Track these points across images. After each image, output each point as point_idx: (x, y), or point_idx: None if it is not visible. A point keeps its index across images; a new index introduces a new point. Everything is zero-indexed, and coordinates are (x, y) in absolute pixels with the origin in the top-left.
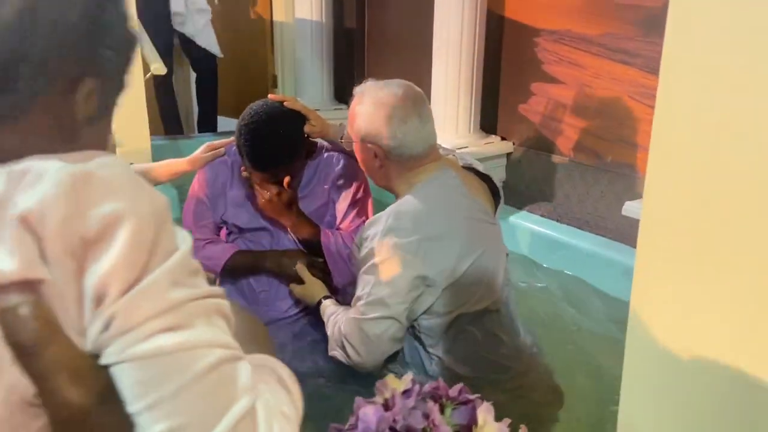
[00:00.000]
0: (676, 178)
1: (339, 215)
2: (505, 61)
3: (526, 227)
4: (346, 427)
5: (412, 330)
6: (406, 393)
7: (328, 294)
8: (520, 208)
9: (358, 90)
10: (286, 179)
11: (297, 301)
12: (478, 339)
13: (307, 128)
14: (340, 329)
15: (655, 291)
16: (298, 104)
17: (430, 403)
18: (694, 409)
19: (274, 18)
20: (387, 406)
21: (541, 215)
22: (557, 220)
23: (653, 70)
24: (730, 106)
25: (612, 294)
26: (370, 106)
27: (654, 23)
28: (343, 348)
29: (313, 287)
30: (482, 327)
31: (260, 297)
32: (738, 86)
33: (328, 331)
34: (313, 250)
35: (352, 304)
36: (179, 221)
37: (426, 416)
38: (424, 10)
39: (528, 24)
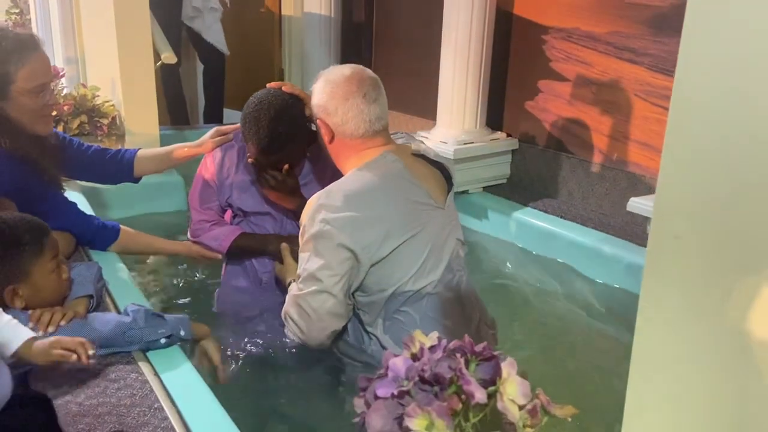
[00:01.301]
0: (688, 178)
1: None
2: (512, 57)
3: (530, 223)
4: (376, 376)
5: (354, 307)
6: (432, 348)
7: None
8: (524, 204)
9: (321, 71)
10: (285, 166)
11: None
12: (416, 321)
13: (306, 112)
14: (285, 306)
15: (663, 293)
16: (296, 88)
17: (457, 356)
18: (702, 415)
19: (283, 12)
20: (415, 359)
21: (545, 211)
22: (561, 217)
23: (660, 69)
24: (746, 107)
25: (614, 292)
26: (321, 82)
27: (662, 22)
28: (288, 325)
29: (288, 269)
30: (420, 309)
31: (263, 279)
32: (754, 87)
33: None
34: None
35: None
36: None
37: (452, 368)
38: (433, 5)
39: (536, 21)
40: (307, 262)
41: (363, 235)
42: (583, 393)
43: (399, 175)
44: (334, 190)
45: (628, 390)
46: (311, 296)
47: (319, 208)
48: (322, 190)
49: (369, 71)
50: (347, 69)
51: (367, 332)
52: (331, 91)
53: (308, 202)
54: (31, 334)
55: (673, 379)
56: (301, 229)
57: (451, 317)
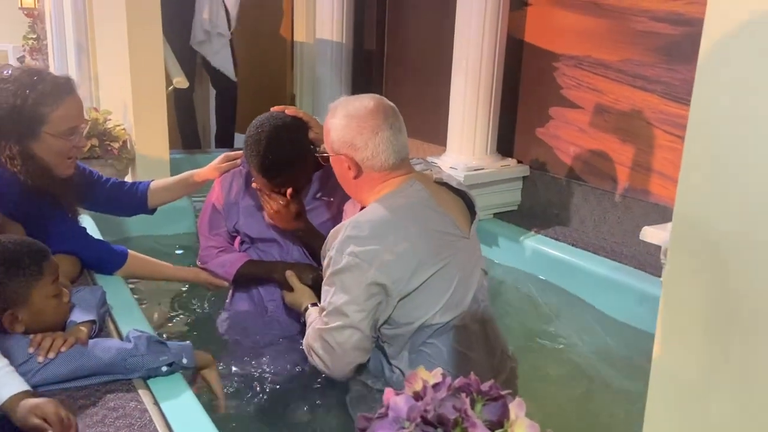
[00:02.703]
0: (705, 210)
1: None
2: (523, 84)
3: (541, 251)
4: (376, 415)
5: (377, 339)
6: (436, 386)
7: (316, 302)
8: (535, 231)
9: (332, 105)
10: (289, 190)
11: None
12: (443, 354)
13: (310, 135)
14: (308, 339)
15: (681, 330)
16: (300, 112)
17: (462, 396)
18: None
19: (295, 38)
20: (417, 398)
21: (557, 239)
22: (572, 245)
23: (672, 96)
24: (765, 138)
25: (626, 321)
26: (343, 118)
27: (674, 50)
28: (312, 358)
29: (301, 295)
30: (447, 342)
31: (269, 306)
32: None
33: (304, 340)
34: (321, 262)
35: (318, 314)
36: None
37: (457, 408)
38: (444, 33)
39: (548, 49)
40: (333, 295)
41: (393, 268)
42: (597, 427)
43: (425, 205)
44: (362, 221)
45: (645, 427)
46: (337, 331)
47: (347, 241)
48: (348, 221)
49: (386, 100)
50: (368, 101)
51: (390, 365)
52: (358, 126)
53: (332, 232)
54: (22, 388)
55: (690, 420)
56: (325, 260)
57: (476, 349)
